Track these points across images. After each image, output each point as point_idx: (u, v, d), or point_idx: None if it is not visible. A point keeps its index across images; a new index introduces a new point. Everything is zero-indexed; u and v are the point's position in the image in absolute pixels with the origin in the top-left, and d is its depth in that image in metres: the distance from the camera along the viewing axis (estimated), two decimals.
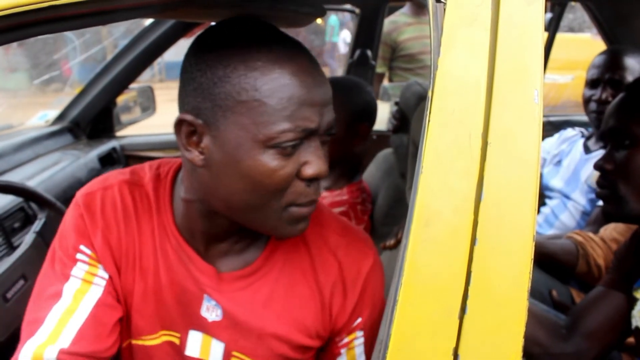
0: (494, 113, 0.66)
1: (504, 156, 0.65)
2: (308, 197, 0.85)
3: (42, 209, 1.45)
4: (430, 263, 0.65)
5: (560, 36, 3.17)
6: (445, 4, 0.69)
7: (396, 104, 2.09)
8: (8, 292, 1.19)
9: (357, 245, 0.98)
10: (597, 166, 1.30)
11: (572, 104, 6.46)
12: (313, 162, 0.83)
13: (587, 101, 2.25)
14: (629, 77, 2.15)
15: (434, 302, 0.64)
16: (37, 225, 1.42)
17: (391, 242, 1.67)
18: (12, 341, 1.21)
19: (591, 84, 2.23)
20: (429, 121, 0.65)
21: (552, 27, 2.97)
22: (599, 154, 2.24)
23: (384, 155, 2.21)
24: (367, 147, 1.90)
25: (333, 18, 11.84)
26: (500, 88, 0.66)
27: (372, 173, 2.17)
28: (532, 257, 0.64)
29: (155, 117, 2.95)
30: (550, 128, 2.82)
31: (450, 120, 0.65)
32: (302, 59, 0.83)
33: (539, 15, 0.70)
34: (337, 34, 12.12)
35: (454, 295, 0.64)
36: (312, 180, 0.85)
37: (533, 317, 1.27)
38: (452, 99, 0.66)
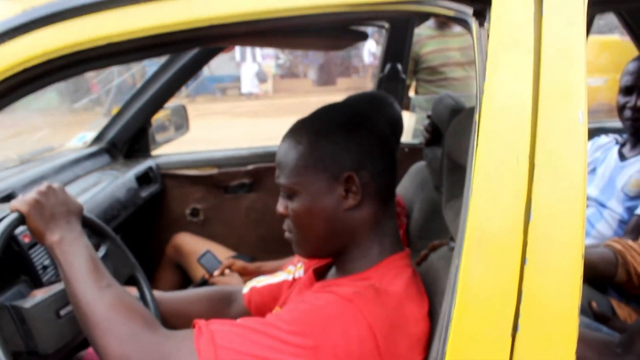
0: (540, 135, 0.67)
1: (551, 177, 0.67)
2: None
3: (103, 241, 1.50)
4: (482, 282, 0.66)
5: (589, 39, 3.15)
6: (488, 28, 0.71)
7: (428, 117, 2.10)
8: (62, 309, 1.24)
9: None
10: None
11: (606, 107, 6.37)
12: None
13: (621, 108, 2.23)
14: None
15: (487, 320, 0.66)
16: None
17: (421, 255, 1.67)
18: (59, 355, 1.26)
19: (625, 90, 2.21)
20: (477, 145, 0.67)
21: None
22: (634, 161, 2.22)
23: (417, 168, 2.22)
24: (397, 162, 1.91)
25: None
26: (546, 110, 0.68)
27: (405, 186, 2.18)
28: (582, 275, 0.66)
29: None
30: None
31: (498, 143, 0.67)
32: None
33: (581, 34, 0.72)
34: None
35: (506, 314, 0.66)
36: None
37: (580, 338, 1.26)
38: (498, 122, 0.68)
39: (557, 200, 0.67)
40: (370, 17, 1.05)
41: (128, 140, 2.73)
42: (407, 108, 3.37)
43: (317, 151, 1.04)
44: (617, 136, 2.41)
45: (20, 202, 1.16)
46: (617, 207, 2.20)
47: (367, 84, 15.61)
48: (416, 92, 3.50)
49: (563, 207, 0.67)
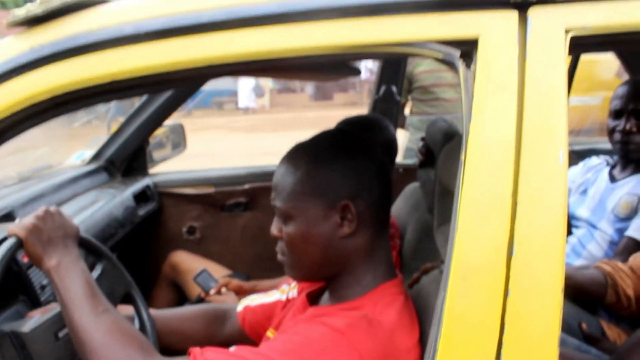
0: (523, 173, 0.71)
1: (532, 213, 0.70)
2: None
3: (99, 260, 1.52)
4: (466, 314, 0.70)
5: (584, 58, 3.18)
6: (475, 70, 0.75)
7: (422, 139, 2.14)
8: (60, 331, 1.26)
9: None
10: None
11: (602, 126, 6.40)
12: None
13: (611, 131, 2.27)
14: None
15: (471, 352, 0.69)
16: (93, 275, 1.48)
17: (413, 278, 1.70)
18: None
19: (615, 114, 2.25)
20: (462, 182, 0.71)
21: (568, 77, 3.01)
22: (624, 182, 2.25)
23: (412, 189, 2.25)
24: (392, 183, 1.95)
25: None
26: (528, 150, 0.72)
27: (400, 207, 2.21)
28: (561, 307, 0.69)
29: None
30: (575, 157, 2.84)
31: (483, 181, 0.71)
32: None
33: (563, 77, 0.76)
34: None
35: (489, 345, 0.69)
36: None
37: None
38: (483, 160, 0.71)
39: (538, 235, 0.70)
40: (363, 57, 1.09)
41: (126, 159, 2.76)
42: (402, 126, 3.42)
43: (315, 178, 1.05)
44: (608, 158, 2.45)
45: (19, 227, 1.19)
46: (607, 228, 2.24)
47: (363, 99, 15.66)
48: (411, 112, 3.55)
49: (544, 242, 0.70)
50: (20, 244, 1.19)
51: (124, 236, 2.40)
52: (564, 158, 0.71)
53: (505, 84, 0.74)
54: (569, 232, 2.40)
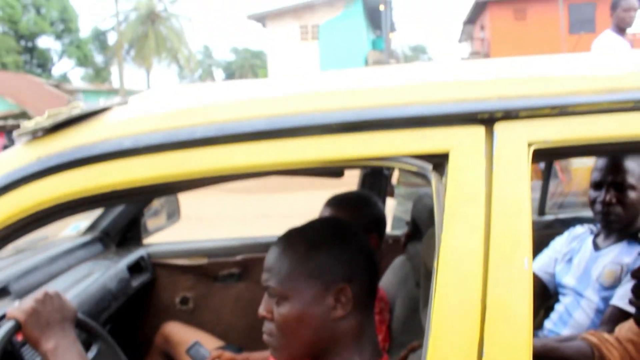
0: (490, 280, 0.77)
1: (500, 317, 0.76)
2: None
3: (95, 341, 1.56)
4: None
5: None
6: (446, 183, 0.82)
7: (407, 223, 2.23)
8: None
9: None
10: (634, 274, 1.37)
11: None
12: None
13: (592, 202, 2.34)
14: (631, 180, 2.24)
15: None
16: (89, 355, 1.51)
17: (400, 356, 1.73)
18: None
19: (595, 185, 2.32)
20: (435, 290, 0.77)
21: (545, 177, 3.13)
22: (607, 251, 2.30)
23: (400, 262, 2.30)
24: (381, 255, 2.01)
25: None
26: (495, 257, 0.78)
27: (389, 280, 2.25)
28: None
29: None
30: (560, 225, 2.91)
31: (453, 288, 0.77)
32: None
33: (526, 188, 0.83)
34: None
35: None
36: None
37: None
38: (454, 269, 0.78)
39: (507, 338, 0.76)
40: (346, 167, 1.16)
41: (121, 230, 2.81)
42: (392, 195, 3.48)
43: (313, 260, 1.09)
44: (591, 226, 2.50)
45: (18, 311, 1.23)
46: (593, 297, 2.27)
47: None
48: (397, 181, 3.63)
49: (512, 343, 0.76)
50: (18, 327, 1.23)
51: (117, 308, 2.43)
52: (529, 264, 0.78)
53: (473, 195, 0.81)
54: (556, 301, 2.44)
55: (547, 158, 1.48)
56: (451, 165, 0.84)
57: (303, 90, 0.95)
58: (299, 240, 1.13)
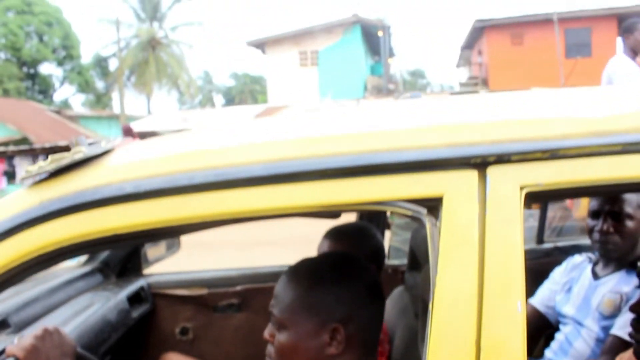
0: (485, 322, 0.79)
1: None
2: None
3: None
4: None
5: None
6: (439, 226, 0.84)
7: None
8: None
9: None
10: (632, 309, 1.37)
11: None
12: None
13: (590, 231, 2.35)
14: (628, 209, 2.26)
15: None
16: None
17: None
18: None
19: (593, 214, 2.34)
20: (430, 332, 0.78)
21: (542, 207, 3.16)
22: (606, 280, 2.31)
23: (400, 292, 2.31)
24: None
25: None
26: (489, 300, 0.80)
27: (388, 311, 2.25)
28: None
29: None
30: (559, 253, 2.92)
31: (448, 331, 0.78)
32: None
33: (519, 231, 0.85)
34: None
35: None
36: None
37: None
38: (448, 312, 0.79)
39: None
40: (343, 212, 1.19)
41: (121, 260, 2.81)
42: (389, 227, 3.50)
43: (313, 297, 1.12)
44: (590, 255, 2.51)
45: (17, 348, 1.24)
46: (593, 326, 2.27)
47: None
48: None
49: None
50: None
51: (117, 339, 2.43)
52: (522, 308, 0.79)
53: (467, 238, 0.83)
54: (557, 329, 2.44)
55: (539, 200, 1.50)
56: (445, 209, 0.85)
57: (298, 135, 0.97)
58: (305, 273, 1.16)
